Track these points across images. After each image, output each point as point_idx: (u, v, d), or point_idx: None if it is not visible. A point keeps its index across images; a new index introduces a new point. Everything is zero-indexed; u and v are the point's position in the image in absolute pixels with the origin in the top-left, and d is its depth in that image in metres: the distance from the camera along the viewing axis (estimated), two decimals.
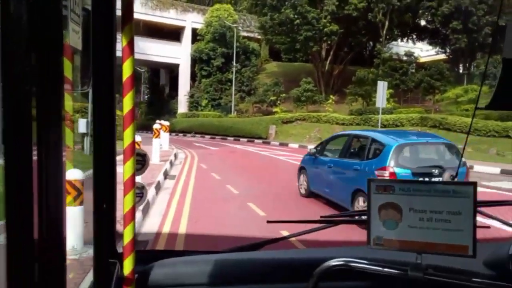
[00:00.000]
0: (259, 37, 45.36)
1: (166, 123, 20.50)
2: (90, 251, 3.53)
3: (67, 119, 1.24)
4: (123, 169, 1.14)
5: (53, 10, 0.75)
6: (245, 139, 30.12)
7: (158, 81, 50.88)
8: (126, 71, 1.10)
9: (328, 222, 1.56)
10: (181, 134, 37.74)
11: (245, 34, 44.43)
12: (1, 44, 0.66)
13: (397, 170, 7.02)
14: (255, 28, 43.57)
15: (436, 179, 6.99)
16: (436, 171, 7.06)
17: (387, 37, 32.21)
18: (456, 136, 21.52)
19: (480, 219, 1.24)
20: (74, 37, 1.05)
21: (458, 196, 1.04)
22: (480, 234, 1.08)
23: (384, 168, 7.13)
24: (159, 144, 16.07)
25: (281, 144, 26.43)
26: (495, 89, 1.09)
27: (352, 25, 31.48)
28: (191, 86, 44.40)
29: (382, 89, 20.68)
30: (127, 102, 1.11)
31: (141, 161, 1.42)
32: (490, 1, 28.19)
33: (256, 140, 29.19)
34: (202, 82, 42.35)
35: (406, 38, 36.14)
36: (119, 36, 1.14)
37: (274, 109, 33.13)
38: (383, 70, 28.77)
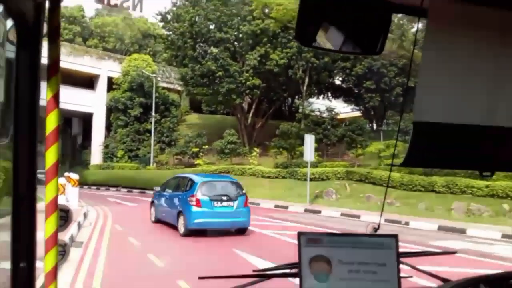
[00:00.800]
0: (179, 88, 44.08)
1: (75, 176, 17.88)
2: None
3: None
4: (44, 226, 1.09)
5: None
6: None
7: (70, 130, 46.83)
8: (50, 124, 1.07)
9: (260, 276, 1.56)
10: (94, 188, 34.29)
11: (164, 85, 42.86)
12: None
13: (200, 197, 11.58)
14: (175, 79, 42.35)
15: (226, 203, 11.70)
16: (224, 197, 11.77)
17: (307, 93, 32.45)
18: (382, 190, 21.16)
19: (405, 267, 1.30)
20: None
21: (382, 248, 1.07)
22: (405, 284, 1.09)
23: (193, 196, 11.63)
24: (65, 201, 13.50)
25: None
26: (408, 149, 1.12)
27: (273, 80, 31.37)
28: (106, 136, 41.27)
29: (309, 142, 19.97)
30: (50, 156, 1.07)
31: (64, 217, 1.31)
32: (400, 64, 29.62)
33: None
34: (118, 132, 39.52)
35: (323, 95, 36.91)
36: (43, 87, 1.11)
37: (196, 161, 31.34)
38: (305, 124, 28.63)
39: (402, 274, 1.07)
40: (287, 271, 1.59)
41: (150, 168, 33.68)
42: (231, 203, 11.68)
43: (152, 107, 37.56)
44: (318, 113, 32.21)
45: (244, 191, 12.54)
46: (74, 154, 43.11)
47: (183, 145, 32.55)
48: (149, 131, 38.09)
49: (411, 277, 1.42)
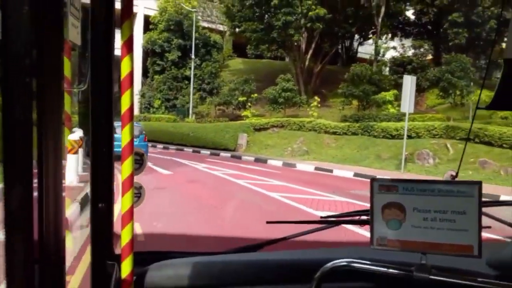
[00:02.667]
0: (221, 29, 37.90)
1: (75, 135, 12.65)
2: None
3: (65, 119, 1.06)
4: (121, 169, 1.07)
5: (54, 3, 0.72)
6: (208, 152, 22.40)
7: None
8: (125, 68, 1.05)
9: (329, 222, 1.51)
10: None
11: (205, 24, 36.80)
12: (1, 38, 0.63)
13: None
14: (217, 18, 36.14)
15: None
16: None
17: (376, 30, 25.58)
18: (501, 153, 14.94)
19: (485, 218, 1.13)
20: (73, 32, 0.98)
21: (462, 196, 0.99)
22: (484, 233, 1.02)
23: None
24: (76, 165, 8.58)
25: (257, 161, 18.91)
26: (496, 89, 1.05)
27: (340, 10, 24.60)
28: (143, 84, 36.16)
29: (410, 85, 13.77)
30: (125, 101, 1.05)
31: (139, 161, 1.23)
32: None
33: (222, 153, 21.54)
34: (155, 79, 34.28)
35: (395, 32, 29.59)
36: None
37: (243, 113, 25.62)
38: (380, 65, 22.02)
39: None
40: (357, 218, 1.47)
41: (189, 121, 28.38)
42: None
43: (191, 50, 31.91)
44: (396, 54, 25.19)
45: (144, 132, 13.43)
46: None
47: (227, 94, 26.68)
48: (188, 78, 32.59)
49: (489, 227, 1.27)
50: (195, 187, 11.28)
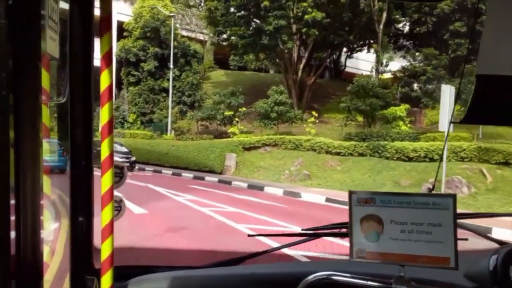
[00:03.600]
0: (201, 38, 34.86)
1: None
2: None
3: (44, 131, 0.88)
4: (100, 182, 1.07)
5: (31, 17, 0.71)
6: (190, 174, 18.91)
7: None
8: (104, 81, 1.04)
9: (309, 235, 1.50)
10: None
11: (184, 33, 33.68)
12: None
13: None
14: (197, 26, 33.12)
15: None
16: None
17: (377, 38, 22.98)
18: None
19: (460, 230, 1.16)
20: (51, 44, 0.97)
21: (438, 208, 1.01)
22: (459, 246, 1.03)
23: None
24: None
25: (252, 187, 15.50)
26: (469, 104, 1.08)
27: (336, 15, 21.86)
28: (116, 96, 32.52)
29: (449, 96, 10.87)
30: (105, 114, 1.05)
31: (119, 173, 1.23)
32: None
33: (207, 177, 18.02)
34: (129, 90, 30.75)
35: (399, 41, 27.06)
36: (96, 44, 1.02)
37: (230, 129, 22.37)
38: (393, 77, 19.26)
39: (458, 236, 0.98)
40: (337, 230, 1.47)
41: (168, 137, 24.91)
42: None
43: (169, 59, 28.61)
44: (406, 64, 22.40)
45: (62, 147, 7.58)
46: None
47: (210, 107, 23.34)
48: (166, 90, 29.23)
49: (466, 239, 1.27)
50: (181, 241, 7.91)
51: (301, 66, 23.96)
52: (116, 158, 1.09)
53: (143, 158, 23.30)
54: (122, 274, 1.24)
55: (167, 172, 20.22)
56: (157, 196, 12.62)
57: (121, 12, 32.31)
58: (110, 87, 1.05)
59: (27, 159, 0.71)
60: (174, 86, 27.74)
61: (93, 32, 1.09)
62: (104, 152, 1.05)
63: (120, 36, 32.11)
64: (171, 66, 26.88)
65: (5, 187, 0.65)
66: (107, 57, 1.03)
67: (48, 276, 1.01)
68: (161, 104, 28.88)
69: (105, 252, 1.05)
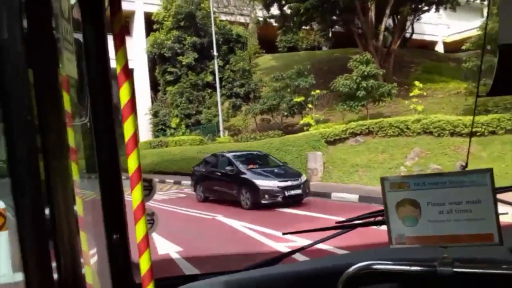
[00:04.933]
0: (242, 21, 29.97)
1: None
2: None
3: (72, 153, 0.99)
4: (131, 197, 1.07)
5: (47, 40, 0.73)
6: None
7: None
8: (124, 96, 1.04)
9: (344, 227, 1.48)
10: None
11: (222, 17, 28.94)
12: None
13: None
14: (236, 8, 28.26)
15: None
16: None
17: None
18: None
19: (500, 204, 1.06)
20: (69, 66, 0.99)
21: (475, 185, 0.97)
22: (500, 221, 0.98)
23: None
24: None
25: (368, 200, 9.86)
26: (494, 75, 1.06)
27: None
28: (153, 100, 28.28)
29: None
30: (128, 128, 1.05)
31: (147, 187, 1.21)
32: None
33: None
34: (167, 91, 26.33)
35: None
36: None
37: (302, 120, 17.21)
38: None
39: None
40: (372, 219, 1.44)
41: (222, 140, 20.08)
42: None
43: (209, 48, 23.90)
44: None
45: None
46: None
47: (272, 96, 18.36)
48: (210, 84, 24.60)
49: (507, 213, 1.21)
50: None
51: (382, 27, 18.42)
52: None
53: None
54: (164, 286, 1.23)
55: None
56: (243, 241, 7.52)
57: (148, 2, 27.96)
58: (130, 101, 1.04)
59: (58, 183, 0.71)
60: (221, 78, 22.95)
61: (108, 48, 1.09)
62: (132, 167, 1.04)
63: (149, 30, 27.78)
64: (215, 53, 22.00)
65: (41, 212, 0.65)
66: (124, 72, 1.03)
67: None
68: (208, 102, 24.17)
69: (144, 266, 1.04)
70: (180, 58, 25.63)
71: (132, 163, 1.05)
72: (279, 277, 1.28)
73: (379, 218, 1.38)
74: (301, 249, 1.50)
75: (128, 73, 1.04)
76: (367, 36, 18.36)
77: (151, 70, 27.95)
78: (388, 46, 18.95)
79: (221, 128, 21.54)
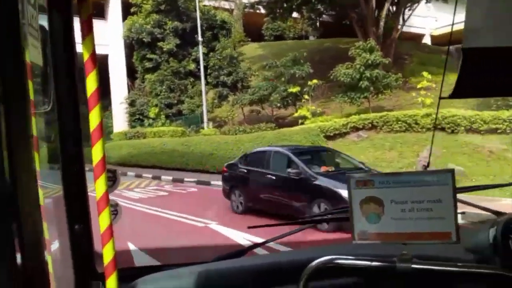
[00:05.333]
0: (226, 6, 28.23)
1: None
2: None
3: (34, 142, 0.96)
4: (94, 187, 1.07)
5: (12, 25, 0.71)
6: None
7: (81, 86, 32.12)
8: (91, 85, 1.02)
9: (309, 222, 1.53)
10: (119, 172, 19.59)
11: (206, 2, 27.10)
12: None
13: None
14: None
15: None
16: None
17: None
18: None
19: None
20: (34, 52, 0.96)
21: (437, 184, 1.00)
22: (459, 219, 1.02)
23: None
24: None
25: None
26: (457, 78, 1.08)
27: None
28: (130, 88, 26.25)
29: None
30: (94, 118, 1.03)
31: (111, 177, 1.22)
32: None
33: None
34: (146, 79, 24.38)
35: None
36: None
37: (297, 112, 15.70)
38: None
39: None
40: (336, 216, 1.49)
41: (207, 132, 18.44)
42: None
43: (192, 34, 22.15)
44: None
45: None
46: (87, 120, 28.51)
47: (264, 85, 16.80)
48: (193, 73, 22.86)
49: (463, 213, 1.25)
50: None
51: (384, 14, 17.04)
52: None
53: (176, 164, 17.01)
54: (127, 276, 1.20)
55: (218, 184, 13.83)
56: None
57: None
58: (97, 91, 1.03)
59: (22, 172, 0.70)
60: (205, 67, 21.14)
61: (74, 36, 1.07)
62: (96, 157, 1.03)
63: (126, 14, 25.69)
64: (200, 38, 20.21)
65: (3, 201, 0.65)
66: (91, 60, 1.01)
67: (53, 286, 0.96)
68: (191, 91, 22.37)
69: (108, 255, 1.05)
70: (160, 44, 23.71)
71: (96, 153, 1.03)
72: (243, 269, 1.29)
73: (343, 215, 1.38)
74: (265, 243, 1.57)
75: (95, 62, 1.01)
76: (367, 23, 16.96)
77: (128, 56, 25.87)
78: (389, 34, 17.60)
79: (205, 119, 19.85)
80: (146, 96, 24.71)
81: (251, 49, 28.40)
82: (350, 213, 1.06)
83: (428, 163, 1.39)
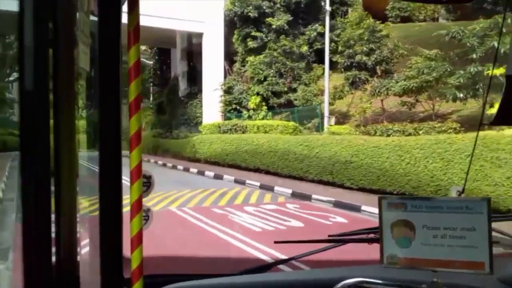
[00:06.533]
0: None
1: None
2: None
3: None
4: (129, 192, 1.07)
5: (67, 33, 0.74)
6: None
7: (168, 69, 28.79)
8: (133, 92, 1.05)
9: (337, 241, 1.45)
10: (207, 173, 15.42)
11: None
12: (19, 74, 0.65)
13: None
14: None
15: None
16: None
17: None
18: None
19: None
20: (83, 59, 0.99)
21: (471, 212, 0.97)
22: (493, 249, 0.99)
23: None
24: None
25: None
26: (499, 105, 1.05)
27: None
28: (227, 73, 22.29)
29: None
30: (134, 124, 1.07)
31: (146, 183, 1.22)
32: None
33: None
34: (248, 62, 20.19)
35: None
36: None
37: (489, 110, 10.43)
38: None
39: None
40: (365, 236, 1.43)
41: (339, 130, 13.66)
42: None
43: (309, 8, 17.49)
44: None
45: None
46: (174, 108, 25.09)
47: (427, 66, 11.61)
48: (304, 56, 18.30)
49: (498, 242, 1.18)
50: None
51: None
52: None
53: (293, 170, 12.48)
54: (153, 283, 1.22)
55: (372, 211, 8.94)
56: None
57: None
58: (137, 98, 1.06)
59: (64, 178, 0.72)
60: (319, 50, 16.33)
61: (121, 45, 1.08)
62: (133, 162, 1.05)
63: None
64: (328, 7, 15.37)
65: (47, 201, 0.66)
66: (135, 68, 1.04)
67: None
68: (305, 77, 17.70)
69: (135, 261, 1.04)
70: (269, 19, 19.34)
71: (133, 159, 1.06)
72: (267, 285, 1.27)
73: (372, 235, 1.33)
74: (291, 259, 1.52)
75: (139, 70, 1.05)
76: None
77: (227, 35, 21.92)
78: None
79: (326, 112, 15.06)
80: (246, 83, 20.54)
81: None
82: (380, 235, 1.02)
83: (463, 189, 1.25)
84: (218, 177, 14.51)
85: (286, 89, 17.72)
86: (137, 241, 1.06)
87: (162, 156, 22.74)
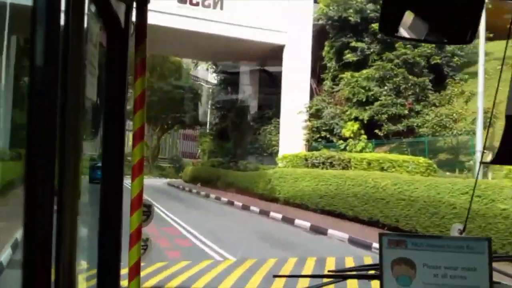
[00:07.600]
0: None
1: None
2: None
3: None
4: (129, 221, 1.08)
5: (77, 63, 0.75)
6: None
7: (235, 89, 25.05)
8: (137, 122, 1.08)
9: (336, 277, 1.41)
10: (299, 221, 11.05)
11: None
12: (28, 104, 0.66)
13: None
14: None
15: None
16: None
17: None
18: None
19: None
20: (90, 89, 0.99)
21: (472, 252, 0.96)
22: None
23: None
24: None
25: None
26: (499, 144, 1.06)
27: None
28: (314, 92, 18.17)
29: None
30: (136, 154, 1.08)
31: (146, 212, 1.25)
32: None
33: None
34: (342, 80, 15.98)
35: None
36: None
37: None
38: None
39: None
40: (365, 273, 1.44)
41: None
42: None
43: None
44: None
45: None
46: (242, 135, 21.17)
47: None
48: (437, 69, 13.89)
49: (499, 283, 1.18)
50: None
51: None
52: None
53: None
54: None
55: None
56: None
57: None
58: (142, 127, 1.08)
59: (67, 195, 0.74)
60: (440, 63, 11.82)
61: (127, 76, 1.11)
62: (134, 191, 1.06)
63: None
64: None
65: (50, 217, 0.67)
66: (140, 99, 1.07)
67: None
68: (434, 96, 13.17)
69: None
70: (374, 26, 15.18)
71: (135, 188, 1.06)
72: None
73: (372, 272, 1.32)
74: None
75: (144, 101, 1.07)
76: None
77: (315, 46, 17.93)
78: None
79: (478, 145, 10.39)
80: (339, 105, 16.28)
81: (497, 47, 18.40)
82: (380, 273, 1.02)
83: (464, 228, 1.22)
84: (317, 230, 10.16)
85: (406, 111, 13.18)
86: (135, 270, 1.05)
87: (224, 190, 18.77)
